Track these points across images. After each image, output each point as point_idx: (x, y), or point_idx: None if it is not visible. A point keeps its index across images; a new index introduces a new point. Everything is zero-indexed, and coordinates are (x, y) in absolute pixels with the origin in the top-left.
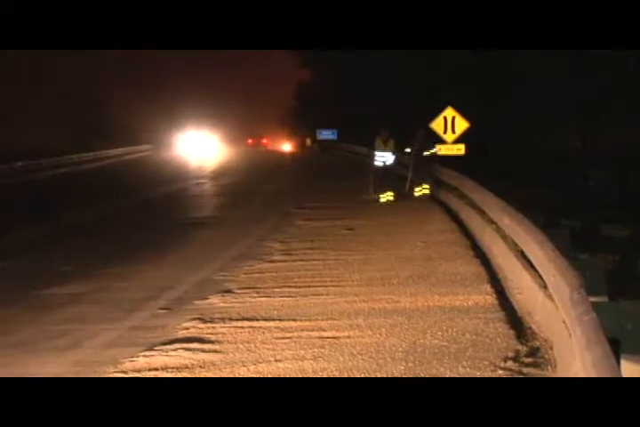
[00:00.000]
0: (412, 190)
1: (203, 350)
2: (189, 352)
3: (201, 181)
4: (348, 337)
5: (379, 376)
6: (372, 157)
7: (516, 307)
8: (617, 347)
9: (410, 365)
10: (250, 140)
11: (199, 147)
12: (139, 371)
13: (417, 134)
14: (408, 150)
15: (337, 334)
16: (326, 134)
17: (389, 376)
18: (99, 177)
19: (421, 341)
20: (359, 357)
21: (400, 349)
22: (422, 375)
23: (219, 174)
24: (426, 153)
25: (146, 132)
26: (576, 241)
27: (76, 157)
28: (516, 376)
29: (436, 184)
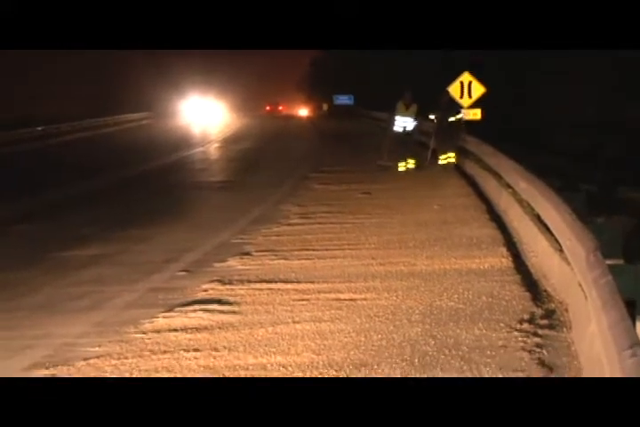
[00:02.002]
0: (433, 158)
1: (221, 312)
2: (208, 313)
3: (217, 145)
4: (365, 299)
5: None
6: (391, 122)
7: (532, 270)
8: (633, 308)
9: (426, 327)
10: (267, 107)
11: (205, 114)
12: (158, 332)
13: (441, 100)
14: (432, 117)
15: (354, 297)
16: (343, 99)
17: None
18: (116, 142)
19: (438, 303)
20: (376, 319)
21: (417, 311)
22: (439, 337)
23: (235, 140)
24: (451, 119)
25: (149, 99)
26: (592, 204)
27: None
28: (523, 376)
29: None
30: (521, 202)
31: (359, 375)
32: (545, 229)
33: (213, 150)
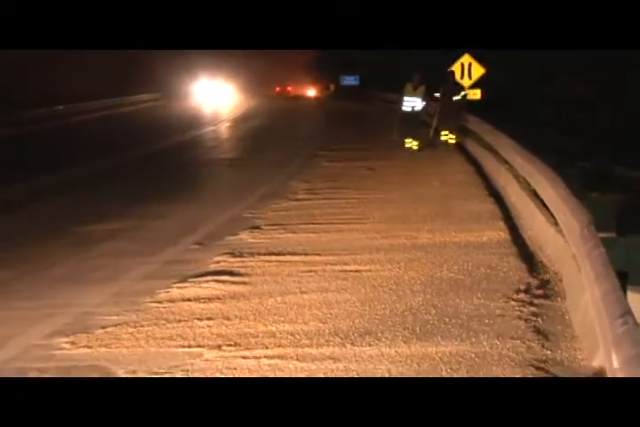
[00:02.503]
0: (435, 137)
1: (233, 282)
2: (220, 284)
3: (228, 125)
4: (370, 271)
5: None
6: (400, 102)
7: (529, 243)
8: (624, 279)
9: (427, 296)
10: (277, 88)
11: (215, 96)
12: (173, 301)
13: (448, 79)
14: (437, 95)
15: (359, 268)
16: (349, 80)
17: (395, 377)
18: (131, 122)
19: (438, 274)
20: (380, 289)
21: (418, 281)
22: (439, 306)
23: (245, 120)
24: (456, 98)
25: (161, 81)
26: (586, 181)
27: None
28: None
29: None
30: (518, 178)
31: (364, 343)
32: (541, 203)
33: (224, 129)
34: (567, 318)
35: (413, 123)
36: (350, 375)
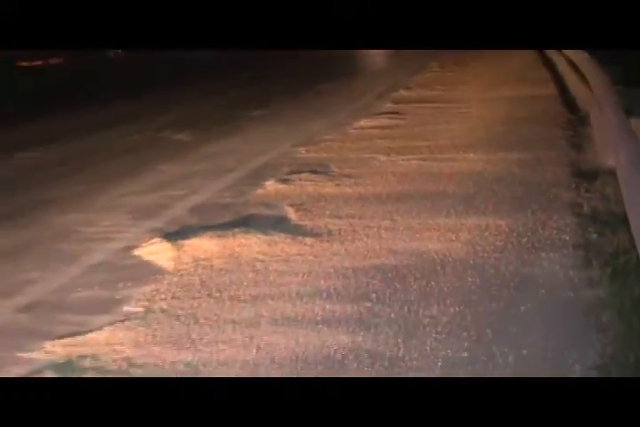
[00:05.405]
0: None
1: (395, 118)
2: (389, 119)
3: None
4: (475, 112)
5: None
6: None
7: (570, 96)
8: (629, 114)
9: (505, 127)
10: None
11: None
12: (362, 129)
13: None
14: None
15: (469, 110)
16: None
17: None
18: None
19: (513, 113)
20: (480, 122)
21: (501, 118)
22: (512, 132)
23: None
24: None
25: None
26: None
27: None
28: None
29: None
30: (573, 66)
31: (469, 151)
32: (580, 75)
33: None
34: (592, 135)
35: None
36: (459, 171)
